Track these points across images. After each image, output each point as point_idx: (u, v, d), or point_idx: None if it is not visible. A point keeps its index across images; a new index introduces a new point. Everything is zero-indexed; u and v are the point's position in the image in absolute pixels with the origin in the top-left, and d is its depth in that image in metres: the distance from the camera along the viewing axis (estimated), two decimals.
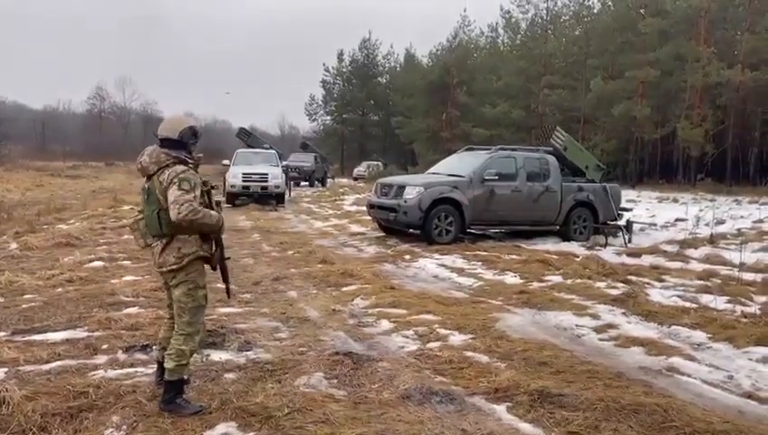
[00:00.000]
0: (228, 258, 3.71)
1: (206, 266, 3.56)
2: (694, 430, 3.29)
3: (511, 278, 7.75)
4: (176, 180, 3.29)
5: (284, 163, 21.02)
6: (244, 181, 18.09)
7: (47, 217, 13.00)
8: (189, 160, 3.47)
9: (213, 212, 3.42)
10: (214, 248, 3.55)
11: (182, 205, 3.24)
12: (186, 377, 3.73)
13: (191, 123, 3.56)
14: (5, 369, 3.92)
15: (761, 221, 15.10)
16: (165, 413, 3.34)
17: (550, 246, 10.87)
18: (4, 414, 3.21)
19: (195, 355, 4.24)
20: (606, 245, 11.22)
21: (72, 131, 64.47)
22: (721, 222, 14.31)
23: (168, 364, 3.41)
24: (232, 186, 18.08)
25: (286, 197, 19.85)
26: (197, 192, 3.35)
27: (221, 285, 3.80)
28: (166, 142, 3.47)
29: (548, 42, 44.06)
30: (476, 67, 48.62)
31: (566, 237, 11.66)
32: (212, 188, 3.60)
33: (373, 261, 8.95)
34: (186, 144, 3.49)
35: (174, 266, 3.39)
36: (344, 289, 6.80)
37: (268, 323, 5.26)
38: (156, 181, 3.38)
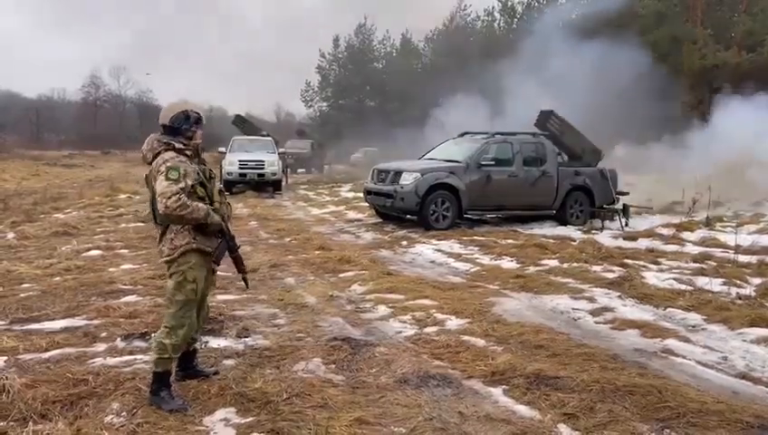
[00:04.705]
0: (239, 247, 3.59)
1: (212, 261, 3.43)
2: (688, 410, 3.33)
3: (507, 263, 7.78)
4: (163, 168, 3.20)
5: (281, 150, 20.95)
6: (240, 169, 18.06)
7: (44, 207, 12.99)
8: (181, 146, 3.34)
9: (201, 205, 3.25)
10: (218, 241, 3.41)
11: (169, 198, 3.12)
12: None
13: (185, 108, 3.42)
14: (5, 358, 3.94)
15: (757, 203, 15.15)
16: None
17: (546, 230, 10.90)
18: (4, 402, 3.23)
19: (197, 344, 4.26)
20: (602, 228, 11.26)
21: (66, 120, 63.94)
22: (717, 205, 14.35)
23: (151, 356, 3.38)
24: (229, 173, 18.04)
25: (283, 183, 19.83)
26: (188, 181, 3.23)
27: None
28: (164, 129, 3.40)
29: None
30: (473, 51, 48.34)
31: (563, 222, 11.69)
32: (212, 177, 3.49)
33: (370, 247, 8.97)
34: (180, 130, 3.38)
35: (167, 257, 3.33)
36: (342, 275, 6.82)
37: (266, 310, 5.28)
38: (152, 169, 3.33)
